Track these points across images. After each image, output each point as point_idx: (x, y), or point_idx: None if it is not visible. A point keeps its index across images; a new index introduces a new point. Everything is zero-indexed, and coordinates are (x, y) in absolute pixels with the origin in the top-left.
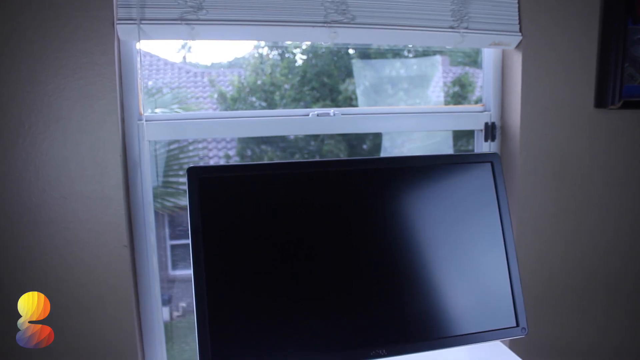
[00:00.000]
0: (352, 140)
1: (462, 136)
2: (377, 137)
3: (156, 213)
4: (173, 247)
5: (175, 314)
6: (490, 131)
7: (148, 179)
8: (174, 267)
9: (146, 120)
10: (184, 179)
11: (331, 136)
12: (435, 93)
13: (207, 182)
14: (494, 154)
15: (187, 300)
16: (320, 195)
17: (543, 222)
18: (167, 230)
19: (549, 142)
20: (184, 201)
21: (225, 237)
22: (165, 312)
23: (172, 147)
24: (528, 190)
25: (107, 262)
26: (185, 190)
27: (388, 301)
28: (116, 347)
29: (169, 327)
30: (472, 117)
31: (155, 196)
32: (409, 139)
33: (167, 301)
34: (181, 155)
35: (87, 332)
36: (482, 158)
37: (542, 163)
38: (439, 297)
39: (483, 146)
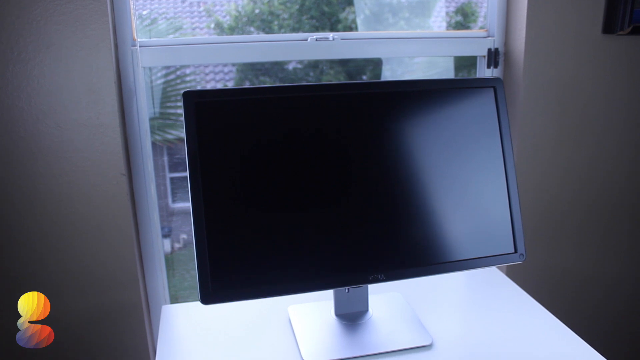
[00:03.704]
0: (352, 70)
1: (463, 67)
2: (377, 67)
3: (155, 145)
4: (173, 180)
5: (176, 245)
6: (493, 57)
7: (144, 106)
8: (174, 200)
9: (140, 46)
10: (182, 111)
11: (331, 66)
12: (437, 23)
13: (203, 107)
14: (496, 79)
15: (187, 231)
16: (319, 119)
17: (544, 150)
18: (166, 163)
19: (553, 69)
20: (183, 133)
21: (223, 162)
22: (166, 245)
23: (169, 77)
24: (530, 117)
25: (105, 190)
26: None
27: (387, 227)
28: (116, 276)
29: (169, 259)
30: (475, 42)
31: (153, 128)
32: (409, 69)
33: (167, 234)
34: (179, 87)
35: (86, 260)
36: (484, 83)
37: (546, 90)
38: (438, 223)
39: (486, 73)
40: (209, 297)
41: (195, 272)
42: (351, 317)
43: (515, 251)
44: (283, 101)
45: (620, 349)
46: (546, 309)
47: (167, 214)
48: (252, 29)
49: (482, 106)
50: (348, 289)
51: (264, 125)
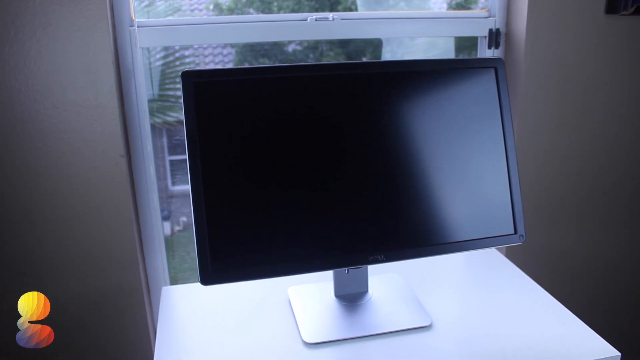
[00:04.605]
0: (352, 52)
1: (464, 48)
2: (377, 49)
3: (155, 127)
4: (172, 162)
5: (176, 228)
6: (494, 38)
7: (142, 87)
8: (174, 182)
9: (138, 27)
10: (181, 93)
11: (330, 48)
12: (438, 4)
13: (202, 87)
14: (498, 59)
15: (187, 213)
16: (319, 99)
17: (545, 131)
18: (165, 145)
19: (555, 50)
20: (182, 115)
21: (222, 142)
22: (166, 227)
23: (168, 59)
24: (531, 99)
25: (104, 172)
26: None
27: (387, 208)
28: (116, 257)
29: (169, 241)
30: (476, 23)
31: (152, 110)
32: (410, 51)
33: (167, 217)
34: (178, 69)
35: (86, 242)
36: (485, 63)
37: (547, 71)
38: (438, 204)
39: (486, 54)
40: (208, 277)
41: (195, 254)
42: (351, 298)
43: (515, 232)
44: (283, 81)
45: (619, 330)
46: (545, 291)
47: (166, 196)
48: (251, 10)
49: (483, 87)
50: (348, 269)
51: (263, 106)
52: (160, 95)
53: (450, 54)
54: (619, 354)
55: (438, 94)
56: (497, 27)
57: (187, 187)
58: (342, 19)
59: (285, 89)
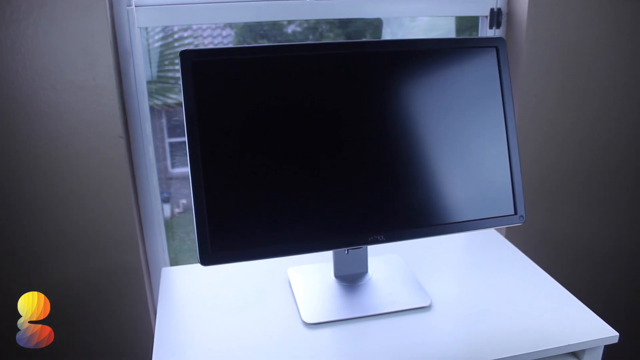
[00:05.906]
0: (352, 33)
1: (465, 29)
2: (377, 30)
3: (154, 109)
4: (172, 145)
5: (176, 210)
6: (495, 17)
7: (141, 67)
8: (173, 164)
9: (136, 6)
10: (180, 75)
11: (330, 29)
12: None
13: (201, 66)
14: (499, 39)
15: (186, 194)
16: (319, 78)
17: (545, 112)
18: (165, 126)
19: (556, 30)
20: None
21: (221, 122)
22: (166, 210)
23: (167, 41)
24: (532, 79)
25: (103, 153)
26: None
27: (387, 188)
28: (116, 239)
29: (169, 223)
30: (477, 2)
31: (151, 92)
32: (410, 32)
33: (167, 199)
34: (177, 50)
35: (85, 223)
36: (486, 42)
37: (549, 51)
38: (438, 184)
39: (487, 33)
40: (208, 258)
41: (195, 234)
42: (350, 278)
43: (515, 213)
44: (282, 60)
45: (617, 311)
46: (545, 272)
47: (165, 178)
48: None
49: (484, 67)
50: (347, 250)
51: (263, 85)
52: (159, 77)
53: (451, 35)
54: (617, 334)
55: (438, 74)
56: (498, 6)
57: (187, 170)
58: None
59: (284, 68)
